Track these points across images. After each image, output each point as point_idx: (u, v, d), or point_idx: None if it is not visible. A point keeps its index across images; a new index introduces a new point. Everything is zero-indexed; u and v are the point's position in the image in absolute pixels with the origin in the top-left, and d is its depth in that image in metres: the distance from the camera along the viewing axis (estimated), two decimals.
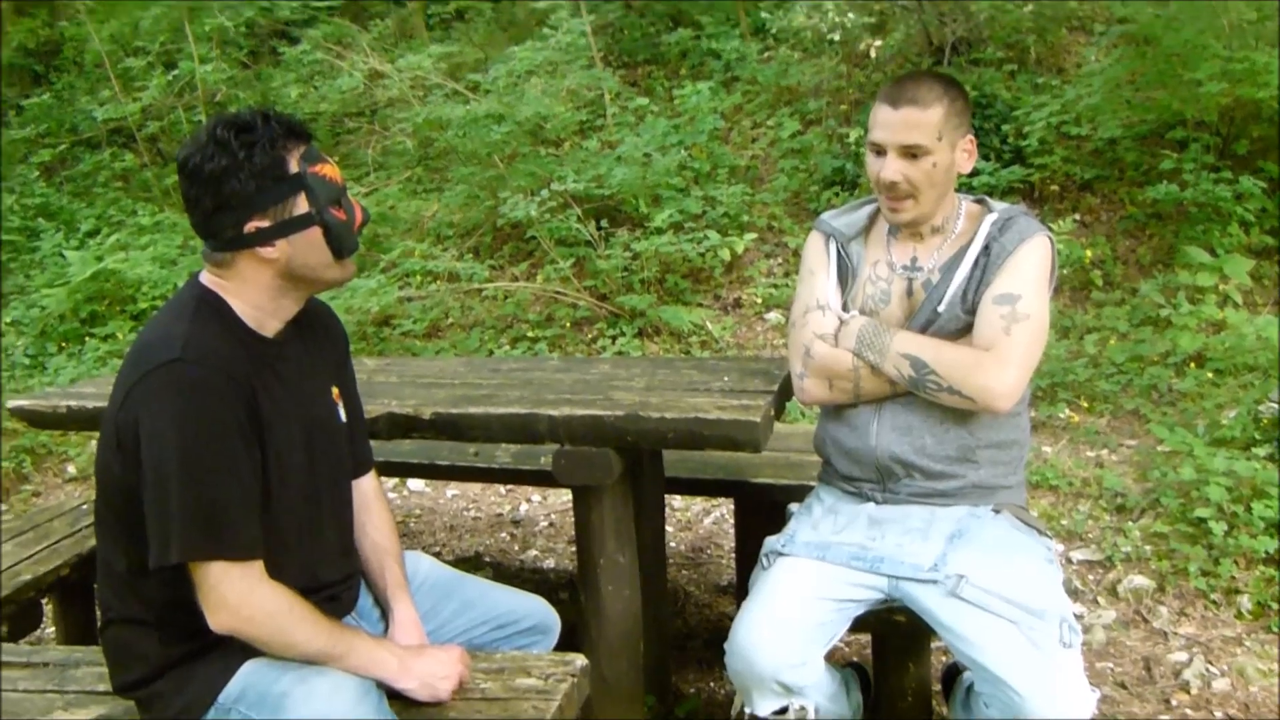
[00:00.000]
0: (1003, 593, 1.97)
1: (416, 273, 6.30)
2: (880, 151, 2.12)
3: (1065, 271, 5.34)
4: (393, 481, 4.60)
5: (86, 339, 6.25)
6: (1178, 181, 5.34)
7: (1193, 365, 4.43)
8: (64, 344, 6.29)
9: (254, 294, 1.78)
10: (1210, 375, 4.31)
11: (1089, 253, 5.34)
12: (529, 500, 4.36)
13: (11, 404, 2.69)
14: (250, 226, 1.71)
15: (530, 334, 5.78)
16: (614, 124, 7.04)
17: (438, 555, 3.90)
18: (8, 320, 6.63)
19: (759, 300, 5.75)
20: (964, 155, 2.16)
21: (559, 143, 7.12)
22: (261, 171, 1.69)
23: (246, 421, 1.68)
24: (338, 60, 7.78)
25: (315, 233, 1.75)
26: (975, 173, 5.87)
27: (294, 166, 1.72)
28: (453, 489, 4.53)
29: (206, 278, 1.79)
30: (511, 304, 6.02)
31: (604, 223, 6.22)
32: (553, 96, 6.86)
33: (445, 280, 6.22)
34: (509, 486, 4.41)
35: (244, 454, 1.67)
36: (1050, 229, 5.20)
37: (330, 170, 1.77)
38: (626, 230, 6.16)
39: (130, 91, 8.09)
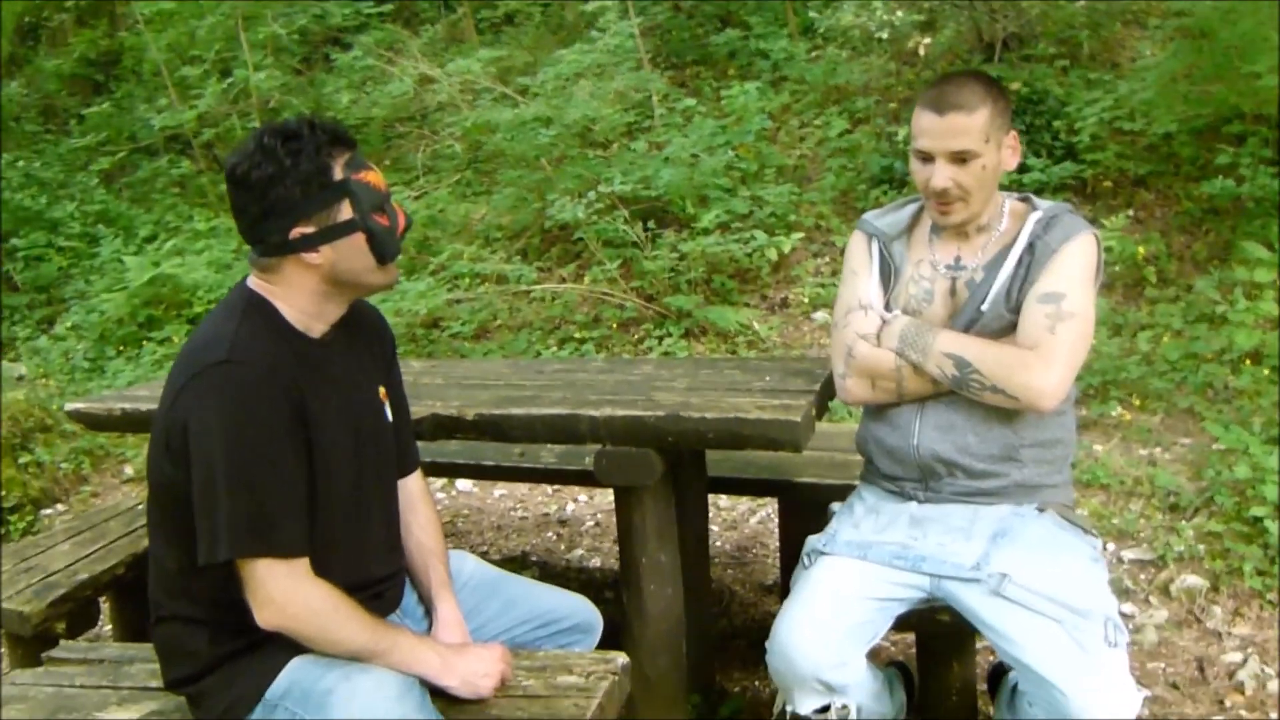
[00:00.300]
0: (1047, 591, 1.95)
1: (465, 275, 6.36)
2: (927, 158, 2.11)
3: (1118, 268, 5.26)
4: (440, 481, 4.65)
5: (144, 343, 6.39)
6: (1234, 176, 5.24)
7: (1248, 362, 4.35)
8: (122, 348, 6.42)
9: (300, 298, 1.82)
10: (1267, 372, 4.22)
11: (1142, 249, 5.25)
12: (575, 500, 4.39)
13: (68, 406, 2.77)
14: (295, 233, 1.74)
15: (578, 335, 5.81)
16: (662, 125, 7.04)
17: (484, 554, 3.94)
18: (68, 324, 6.79)
19: (806, 300, 5.73)
20: (1009, 152, 2.15)
21: (607, 145, 7.14)
22: (307, 179, 1.73)
23: (293, 421, 1.71)
24: (388, 66, 7.87)
25: (359, 238, 1.78)
26: (1026, 169, 5.80)
27: (338, 173, 1.75)
28: (500, 489, 4.57)
29: (254, 282, 1.83)
30: (559, 305, 6.06)
31: (651, 224, 6.23)
32: (600, 99, 6.88)
33: (494, 282, 6.27)
34: (556, 486, 4.44)
35: (290, 453, 1.70)
36: (1102, 225, 5.17)
37: (374, 177, 1.80)
38: (673, 231, 6.16)
39: (187, 99, 8.24)
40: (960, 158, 2.08)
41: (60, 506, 4.74)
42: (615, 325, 5.84)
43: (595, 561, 3.84)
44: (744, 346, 5.50)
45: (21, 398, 5.13)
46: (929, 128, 2.09)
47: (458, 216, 6.94)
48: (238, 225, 1.79)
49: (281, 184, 1.71)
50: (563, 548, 4.01)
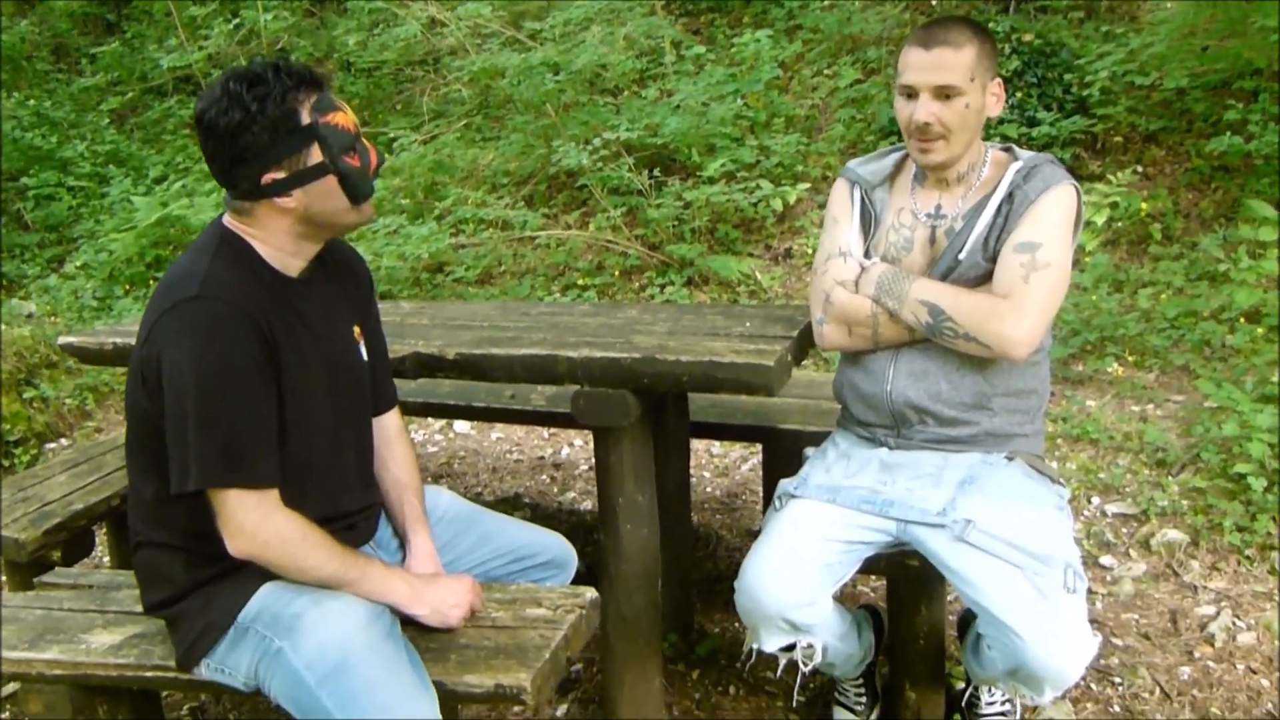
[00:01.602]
0: (1009, 538, 1.99)
1: (470, 220, 6.36)
2: (912, 94, 2.12)
3: (1122, 224, 5.24)
4: (439, 424, 4.71)
5: (151, 282, 6.43)
6: (1244, 134, 5.19)
7: (1243, 320, 4.34)
8: (129, 287, 6.47)
9: (275, 238, 1.85)
10: (1262, 331, 4.22)
11: (1145, 205, 5.22)
12: (571, 445, 4.43)
13: (61, 340, 2.81)
14: (267, 178, 1.77)
15: (580, 282, 5.83)
16: (673, 73, 7.00)
17: (478, 496, 4.00)
18: (78, 263, 6.83)
19: (810, 251, 5.72)
20: (993, 99, 2.16)
21: (617, 92, 7.11)
22: (274, 124, 1.74)
23: (263, 356, 1.75)
24: (399, 9, 7.82)
25: (330, 181, 1.80)
26: (1036, 122, 5.76)
27: (306, 117, 1.76)
28: (497, 432, 4.62)
29: (229, 220, 1.86)
30: (563, 252, 6.06)
31: (656, 172, 6.21)
32: (611, 45, 6.83)
33: (498, 228, 6.27)
34: (552, 431, 4.49)
35: (260, 387, 1.74)
36: (1109, 180, 5.13)
37: (343, 118, 1.81)
38: (679, 180, 6.15)
39: (196, 40, 8.22)
40: (944, 93, 2.08)
41: (64, 441, 4.81)
42: (618, 273, 5.85)
43: (586, 505, 3.88)
44: (746, 296, 5.51)
45: (28, 334, 5.19)
46: (915, 62, 2.10)
47: (465, 161, 6.93)
48: (210, 169, 1.82)
49: (249, 131, 1.73)
50: (555, 490, 4.06)
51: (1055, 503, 2.14)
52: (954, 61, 2.07)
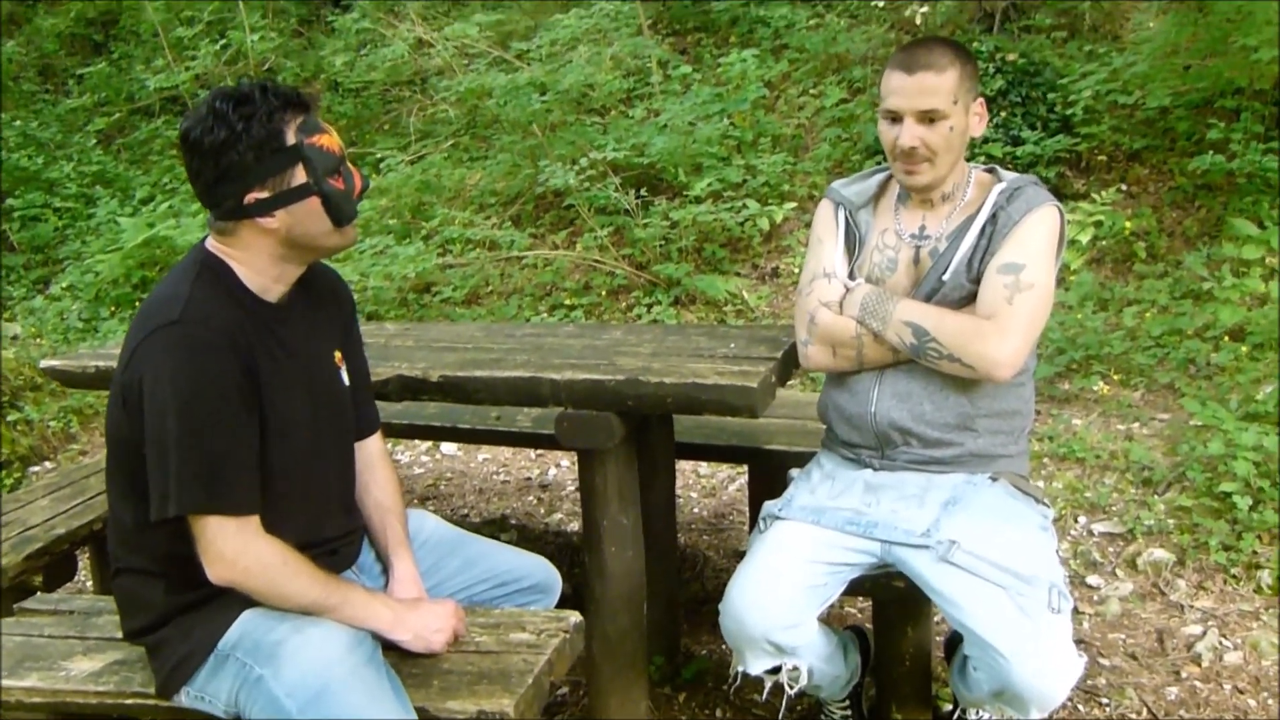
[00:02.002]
0: (993, 558, 1.98)
1: (457, 240, 6.36)
2: (896, 119, 2.13)
3: (1106, 243, 5.26)
4: (426, 445, 4.69)
5: (137, 304, 6.40)
6: (1226, 152, 5.23)
7: (1227, 339, 4.36)
8: (115, 308, 6.45)
9: (257, 260, 1.84)
10: (1247, 349, 4.23)
11: (1129, 224, 5.25)
12: (558, 465, 4.42)
13: (44, 364, 2.80)
14: (250, 198, 1.76)
15: (568, 302, 5.82)
16: (660, 92, 7.02)
17: (465, 517, 3.98)
18: (64, 285, 6.81)
19: (796, 270, 5.73)
20: (976, 119, 2.17)
21: (604, 111, 7.13)
22: (259, 144, 1.74)
23: (244, 382, 1.74)
24: (386, 30, 7.83)
25: (314, 202, 1.79)
26: (1020, 142, 5.79)
27: (291, 138, 1.76)
28: (484, 453, 4.60)
29: (212, 243, 1.85)
30: (550, 272, 6.06)
31: (643, 191, 6.22)
32: (597, 65, 6.85)
33: (485, 248, 6.28)
34: (539, 451, 4.47)
35: (241, 413, 1.73)
36: (1093, 199, 5.16)
37: (328, 140, 1.81)
38: (665, 199, 6.16)
39: (183, 60, 8.23)
40: (928, 117, 2.09)
41: (49, 464, 4.78)
42: (605, 293, 5.85)
43: (573, 526, 3.87)
44: (733, 315, 5.52)
45: (11, 356, 5.16)
46: (898, 87, 2.11)
47: (452, 181, 6.94)
48: (194, 189, 1.81)
49: (234, 149, 1.72)
50: (542, 511, 4.04)
51: (1039, 523, 2.14)
52: (937, 85, 2.08)
